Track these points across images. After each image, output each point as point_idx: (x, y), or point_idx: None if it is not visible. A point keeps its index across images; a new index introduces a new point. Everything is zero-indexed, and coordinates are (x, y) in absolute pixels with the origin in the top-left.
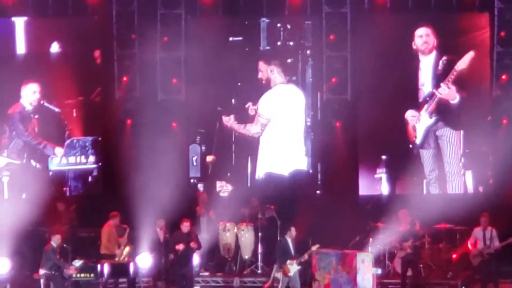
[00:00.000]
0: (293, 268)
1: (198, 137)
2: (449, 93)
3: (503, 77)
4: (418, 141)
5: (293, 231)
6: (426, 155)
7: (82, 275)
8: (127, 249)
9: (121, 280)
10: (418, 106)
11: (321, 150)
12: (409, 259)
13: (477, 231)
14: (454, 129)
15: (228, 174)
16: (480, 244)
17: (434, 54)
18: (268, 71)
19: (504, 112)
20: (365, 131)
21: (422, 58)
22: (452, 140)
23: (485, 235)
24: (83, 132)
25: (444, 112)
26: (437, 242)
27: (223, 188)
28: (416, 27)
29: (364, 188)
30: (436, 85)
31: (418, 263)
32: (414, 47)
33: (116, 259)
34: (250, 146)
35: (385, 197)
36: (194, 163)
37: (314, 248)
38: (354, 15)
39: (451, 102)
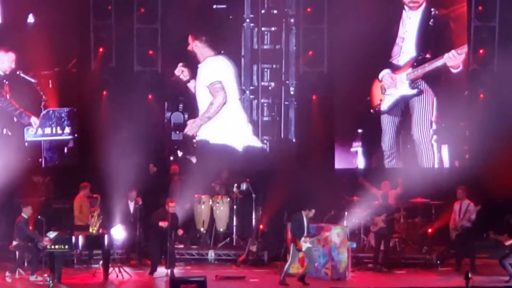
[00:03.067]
0: (306, 245)
1: (181, 105)
2: (457, 60)
3: (480, 51)
4: (384, 106)
5: (312, 212)
6: (389, 123)
7: (57, 246)
8: (98, 219)
9: (95, 251)
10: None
11: (297, 123)
12: (382, 233)
13: (456, 205)
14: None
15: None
16: (456, 216)
17: (422, 7)
18: (194, 45)
19: (481, 86)
20: (341, 104)
21: (408, 12)
22: (426, 107)
23: (461, 208)
24: (59, 103)
25: (431, 82)
26: (412, 216)
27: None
28: None
29: (340, 161)
30: (423, 46)
31: (391, 237)
32: None
33: (90, 229)
34: None
35: (361, 170)
36: (177, 132)
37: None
38: None
39: (453, 71)
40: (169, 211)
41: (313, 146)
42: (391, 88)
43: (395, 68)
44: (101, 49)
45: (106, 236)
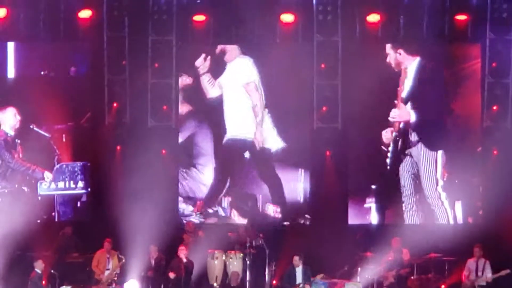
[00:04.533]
0: None
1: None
2: (401, 114)
3: (494, 108)
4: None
5: (295, 260)
6: (406, 180)
7: None
8: (112, 277)
9: None
10: None
11: (311, 178)
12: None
13: (471, 262)
14: (430, 149)
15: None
16: (472, 275)
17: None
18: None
19: (495, 143)
20: (355, 160)
21: None
22: (429, 164)
23: (478, 266)
24: (72, 157)
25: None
26: (426, 272)
27: None
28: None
29: (353, 217)
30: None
31: None
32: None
33: (99, 284)
34: None
35: (374, 226)
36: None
37: (318, 277)
38: (345, 43)
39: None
40: (180, 256)
41: (327, 202)
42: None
43: None
44: (115, 104)
45: None
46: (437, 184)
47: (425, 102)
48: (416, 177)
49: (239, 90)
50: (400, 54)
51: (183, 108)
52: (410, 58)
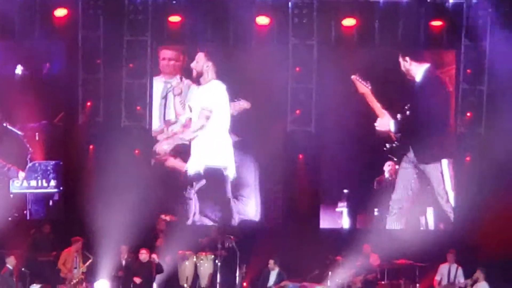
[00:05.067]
0: None
1: None
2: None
3: (468, 114)
4: None
5: (270, 263)
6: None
7: None
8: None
9: None
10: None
11: (283, 182)
12: None
13: (443, 267)
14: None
15: None
16: (444, 280)
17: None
18: (205, 66)
19: (468, 150)
20: (328, 164)
21: None
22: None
23: (450, 272)
24: (45, 156)
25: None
26: (396, 278)
27: None
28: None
29: (325, 221)
30: None
31: None
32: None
33: (67, 282)
34: None
35: (345, 231)
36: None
37: (283, 283)
38: (321, 47)
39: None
40: (142, 260)
41: (298, 205)
42: None
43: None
44: (89, 103)
45: None
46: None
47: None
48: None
49: (195, 110)
50: (406, 61)
51: None
52: (418, 65)
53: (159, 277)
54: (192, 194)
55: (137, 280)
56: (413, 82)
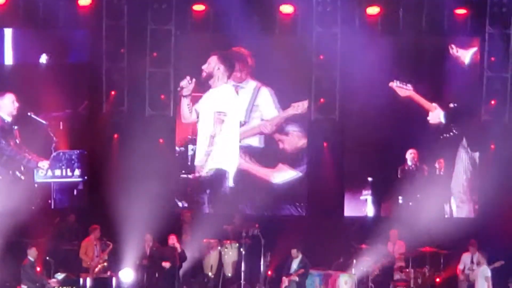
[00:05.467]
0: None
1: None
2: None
3: (492, 102)
4: None
5: (293, 253)
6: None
7: None
8: (102, 264)
9: None
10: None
11: (308, 170)
12: (379, 280)
13: (466, 257)
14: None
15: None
16: (467, 269)
17: None
18: (216, 68)
19: (492, 138)
20: (352, 152)
21: None
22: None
23: (473, 261)
24: (69, 145)
25: None
26: (421, 265)
27: None
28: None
29: (350, 209)
30: None
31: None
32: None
33: (90, 272)
34: None
35: (370, 219)
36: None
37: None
38: (345, 35)
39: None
40: (173, 245)
41: (323, 193)
42: None
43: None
44: (113, 92)
45: (114, 279)
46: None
47: None
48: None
49: (209, 115)
50: (452, 48)
51: None
52: (464, 51)
53: (184, 265)
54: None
55: (166, 264)
56: (462, 67)
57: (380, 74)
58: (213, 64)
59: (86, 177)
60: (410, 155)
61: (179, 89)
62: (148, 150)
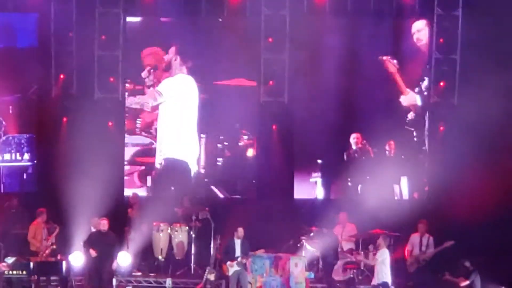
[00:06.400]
0: (232, 269)
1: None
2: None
3: (441, 84)
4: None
5: (240, 231)
6: None
7: (15, 272)
8: (50, 247)
9: (53, 278)
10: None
11: (257, 152)
12: (329, 262)
13: (414, 237)
14: None
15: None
16: (416, 250)
17: None
18: (173, 58)
19: (441, 119)
20: (301, 135)
21: None
22: None
23: (422, 242)
24: (18, 129)
25: None
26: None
27: None
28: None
29: (299, 192)
30: None
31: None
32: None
33: (39, 255)
34: None
35: (319, 201)
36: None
37: (258, 252)
38: (293, 17)
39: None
40: (101, 230)
41: (273, 176)
42: None
43: None
44: (62, 76)
45: (64, 263)
46: None
47: None
48: None
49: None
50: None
51: None
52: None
53: (134, 249)
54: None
55: (93, 253)
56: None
57: (328, 56)
58: (171, 55)
59: (35, 161)
60: (353, 140)
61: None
62: (97, 133)
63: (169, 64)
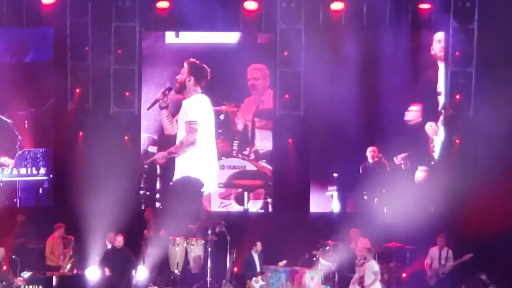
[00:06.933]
0: (258, 284)
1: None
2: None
3: (457, 96)
4: (436, 155)
5: (258, 246)
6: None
7: (31, 286)
8: (69, 260)
9: None
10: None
11: (273, 166)
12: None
13: (433, 251)
14: None
15: None
16: (435, 264)
17: None
18: (187, 79)
19: (457, 132)
20: (317, 148)
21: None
22: None
23: (441, 255)
24: (34, 144)
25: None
26: (387, 261)
27: None
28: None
29: (315, 205)
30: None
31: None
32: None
33: (61, 270)
34: None
35: (335, 214)
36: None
37: (281, 263)
38: (309, 31)
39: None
40: (116, 246)
41: (289, 189)
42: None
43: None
44: (77, 90)
45: (80, 277)
46: None
47: None
48: None
49: (183, 126)
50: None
51: None
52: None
53: (149, 263)
54: None
55: (107, 271)
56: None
57: (344, 69)
58: (184, 75)
59: (51, 175)
60: (369, 153)
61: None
62: (113, 147)
63: (183, 85)
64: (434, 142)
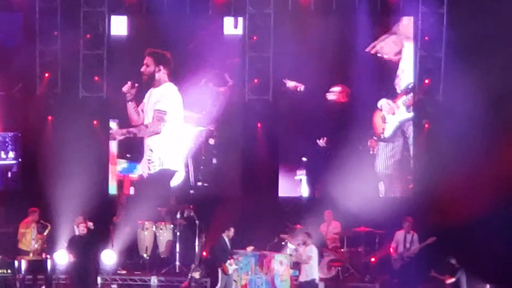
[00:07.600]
0: (232, 267)
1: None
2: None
3: (426, 81)
4: (387, 134)
5: (231, 231)
6: (386, 150)
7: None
8: (41, 245)
9: (39, 276)
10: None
11: (242, 151)
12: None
13: (399, 235)
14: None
15: None
16: (400, 247)
17: None
18: (156, 69)
19: (426, 116)
20: (286, 132)
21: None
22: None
23: (406, 239)
24: (3, 128)
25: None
26: (356, 245)
27: None
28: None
29: (284, 189)
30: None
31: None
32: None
33: (31, 255)
34: None
35: (304, 199)
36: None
37: (249, 249)
38: (278, 16)
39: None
40: (80, 233)
41: (257, 174)
42: (390, 114)
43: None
44: (46, 74)
45: (49, 261)
46: None
47: None
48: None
49: (151, 113)
50: None
51: None
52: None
53: (118, 247)
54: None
55: (71, 257)
56: None
57: (313, 54)
58: (152, 67)
59: (20, 159)
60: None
61: (124, 93)
62: (82, 132)
63: (152, 76)
64: (387, 119)
